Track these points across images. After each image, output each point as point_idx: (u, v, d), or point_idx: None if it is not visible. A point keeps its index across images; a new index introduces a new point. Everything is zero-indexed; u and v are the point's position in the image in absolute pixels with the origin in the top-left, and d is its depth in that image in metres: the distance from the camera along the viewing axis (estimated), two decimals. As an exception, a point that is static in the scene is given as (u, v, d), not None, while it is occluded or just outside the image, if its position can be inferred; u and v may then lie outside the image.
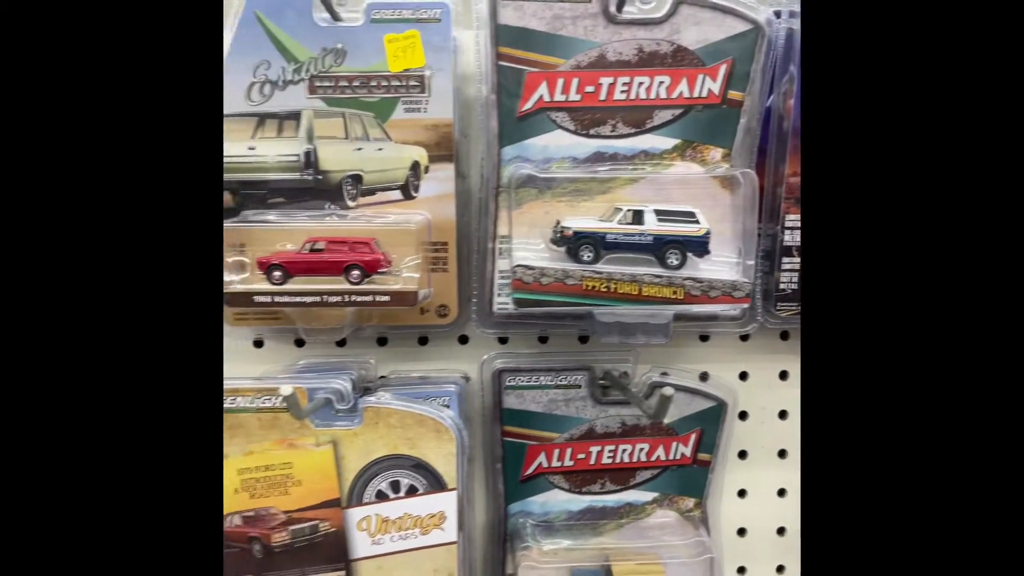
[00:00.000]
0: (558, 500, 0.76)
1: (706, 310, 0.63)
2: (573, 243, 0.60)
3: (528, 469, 0.76)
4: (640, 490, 0.76)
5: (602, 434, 0.75)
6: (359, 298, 0.62)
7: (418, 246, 0.64)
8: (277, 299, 0.62)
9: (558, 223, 0.62)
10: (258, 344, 0.75)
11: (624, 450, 0.76)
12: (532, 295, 0.60)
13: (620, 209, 0.61)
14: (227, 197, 0.67)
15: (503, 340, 0.77)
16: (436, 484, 0.62)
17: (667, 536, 0.75)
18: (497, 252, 0.67)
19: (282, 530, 0.61)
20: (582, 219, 0.61)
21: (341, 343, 0.73)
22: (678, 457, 0.76)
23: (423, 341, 0.76)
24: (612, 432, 0.75)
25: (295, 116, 0.66)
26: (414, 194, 0.67)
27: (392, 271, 0.63)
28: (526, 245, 0.63)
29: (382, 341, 0.76)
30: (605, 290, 0.60)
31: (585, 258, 0.60)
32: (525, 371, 0.74)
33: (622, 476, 0.76)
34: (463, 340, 0.76)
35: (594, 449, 0.75)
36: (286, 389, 0.55)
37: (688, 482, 0.76)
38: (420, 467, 0.62)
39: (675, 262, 0.60)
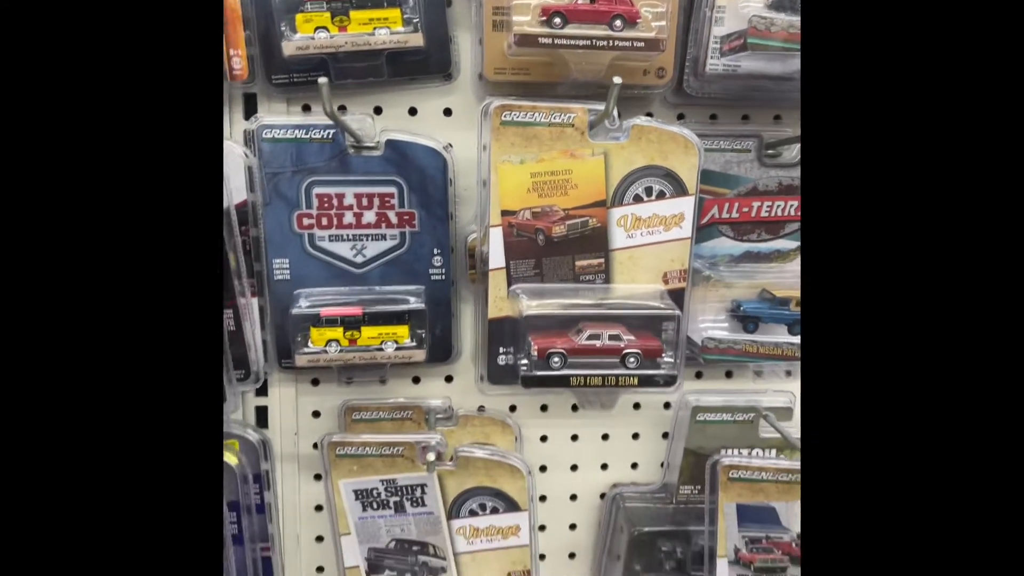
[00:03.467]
0: (724, 246, 0.94)
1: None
2: (796, -1, 0.77)
3: (703, 219, 0.93)
4: (787, 239, 0.95)
5: (763, 191, 0.93)
6: (621, 43, 0.76)
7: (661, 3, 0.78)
8: (557, 41, 0.75)
9: (779, -14, 0.78)
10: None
11: (779, 206, 0.94)
12: (764, 40, 0.76)
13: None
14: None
15: (680, 116, 0.92)
16: (680, 190, 0.79)
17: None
18: (713, 20, 0.82)
19: (561, 224, 0.76)
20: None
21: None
22: (818, 212, 0.94)
23: (618, 116, 0.91)
24: (771, 190, 0.93)
25: None
26: (643, -36, 0.81)
27: (642, 24, 0.78)
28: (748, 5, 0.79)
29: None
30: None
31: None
32: (708, 136, 0.90)
33: (774, 227, 0.94)
34: (649, 114, 0.92)
35: (755, 204, 0.93)
36: (617, 79, 0.69)
37: (824, 233, 0.95)
38: (669, 176, 0.78)
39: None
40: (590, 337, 0.73)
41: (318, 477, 0.96)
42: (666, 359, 0.74)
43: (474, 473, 0.81)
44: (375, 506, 0.82)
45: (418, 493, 0.81)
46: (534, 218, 0.76)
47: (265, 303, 0.88)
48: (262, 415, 0.94)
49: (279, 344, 0.89)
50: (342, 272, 0.89)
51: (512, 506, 0.82)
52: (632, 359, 0.73)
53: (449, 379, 0.97)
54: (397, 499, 0.82)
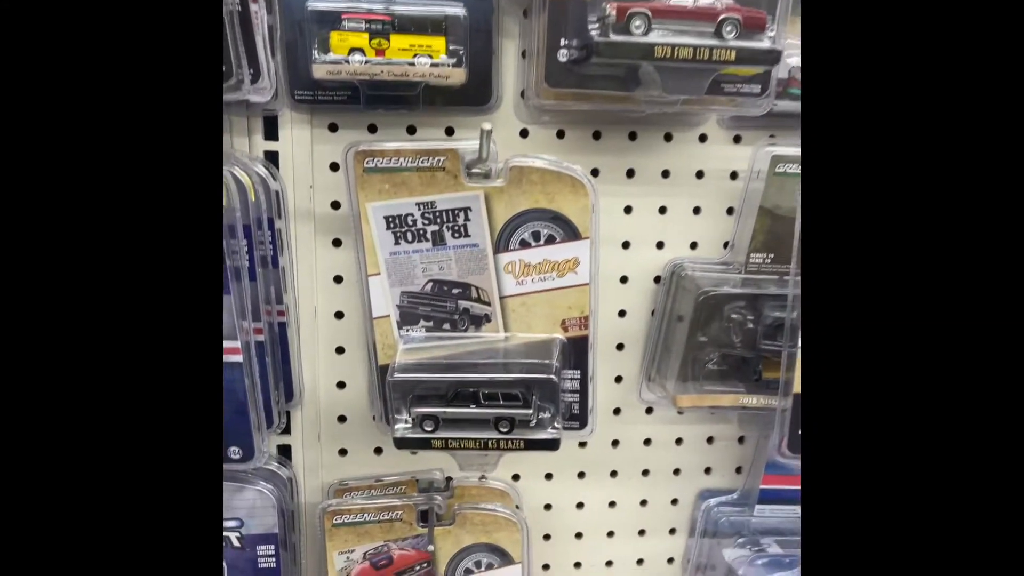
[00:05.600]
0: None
1: None
2: None
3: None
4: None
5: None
6: None
7: None
8: None
9: None
10: None
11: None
12: None
13: None
14: None
15: None
16: None
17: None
18: None
19: None
20: None
21: None
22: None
23: None
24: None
25: None
26: None
27: None
28: None
29: None
30: None
31: None
32: None
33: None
34: None
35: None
36: None
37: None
38: None
39: None
40: (680, -2, 0.59)
41: (337, 243, 0.83)
42: (770, 33, 0.60)
43: (528, 191, 0.67)
44: (409, 238, 0.69)
45: (460, 220, 0.68)
46: None
47: (275, 20, 0.73)
48: (273, 161, 0.80)
49: (291, 70, 0.74)
50: (365, -21, 0.74)
51: (571, 233, 0.69)
52: (730, 27, 0.59)
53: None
54: (436, 228, 0.68)
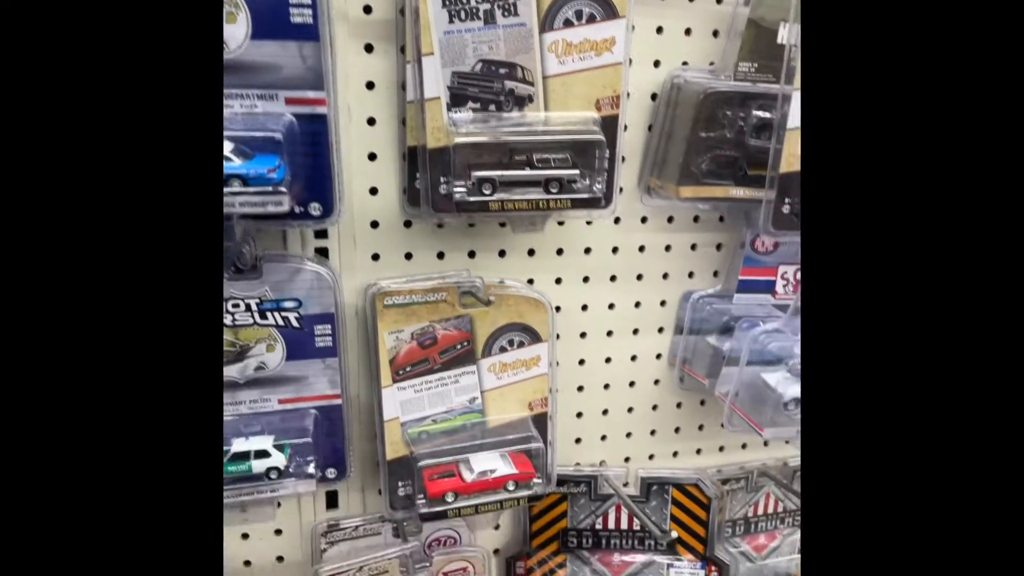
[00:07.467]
0: None
1: None
2: None
3: None
4: None
5: None
6: None
7: None
8: None
9: None
10: None
11: None
12: None
13: None
14: None
15: None
16: None
17: None
18: None
19: None
20: None
21: None
22: None
23: None
24: None
25: None
26: None
27: None
28: None
29: None
30: None
31: None
32: None
33: None
34: None
35: None
36: None
37: None
38: None
39: None
40: None
41: (369, 48, 0.87)
42: None
43: (576, -28, 0.74)
44: (463, 16, 0.74)
45: (512, -2, 0.74)
46: None
47: None
48: (308, -40, 0.82)
49: None
50: None
51: (610, 11, 0.76)
52: None
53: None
54: (487, 6, 0.74)
